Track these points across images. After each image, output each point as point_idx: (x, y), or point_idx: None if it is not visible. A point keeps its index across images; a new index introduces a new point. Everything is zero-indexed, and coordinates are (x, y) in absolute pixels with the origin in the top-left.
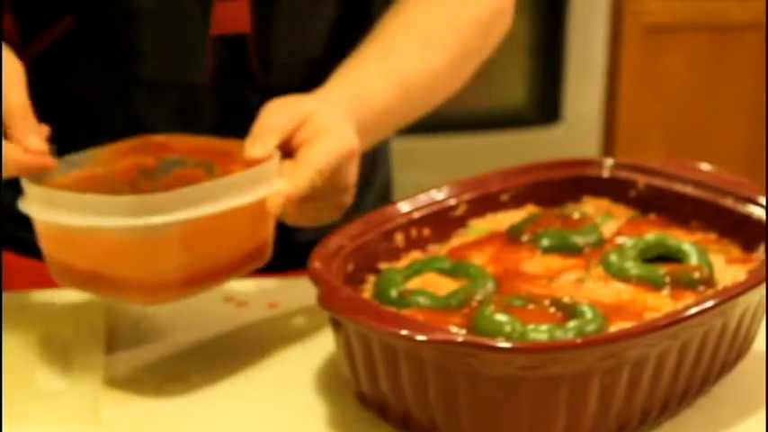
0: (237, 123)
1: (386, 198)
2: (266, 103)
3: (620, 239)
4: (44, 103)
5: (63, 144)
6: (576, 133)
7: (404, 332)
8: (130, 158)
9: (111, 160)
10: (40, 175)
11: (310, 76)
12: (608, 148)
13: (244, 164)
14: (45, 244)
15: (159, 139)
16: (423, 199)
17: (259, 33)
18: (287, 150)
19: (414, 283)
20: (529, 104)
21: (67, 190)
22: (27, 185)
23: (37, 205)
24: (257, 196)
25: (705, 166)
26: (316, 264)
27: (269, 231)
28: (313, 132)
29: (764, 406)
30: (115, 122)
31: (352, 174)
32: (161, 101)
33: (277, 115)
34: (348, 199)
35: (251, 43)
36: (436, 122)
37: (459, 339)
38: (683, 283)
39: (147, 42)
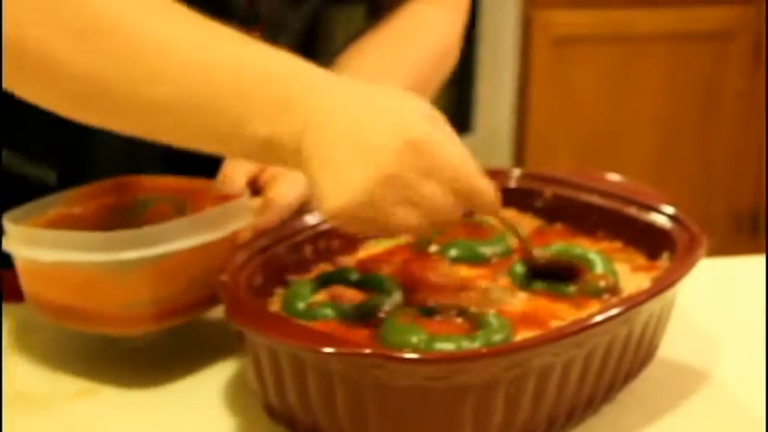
0: None
1: None
2: None
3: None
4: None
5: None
6: (487, 144)
7: (311, 345)
8: (104, 198)
9: (84, 200)
10: (18, 217)
11: None
12: (519, 158)
13: (215, 201)
14: (24, 280)
15: (131, 179)
16: None
17: None
18: (255, 188)
19: (322, 296)
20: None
21: (44, 228)
22: (7, 225)
23: (17, 243)
24: (228, 231)
25: (611, 176)
26: (223, 277)
27: None
28: (280, 170)
29: (668, 412)
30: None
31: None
32: None
33: None
34: None
35: None
36: None
37: (366, 351)
38: (588, 292)
39: None
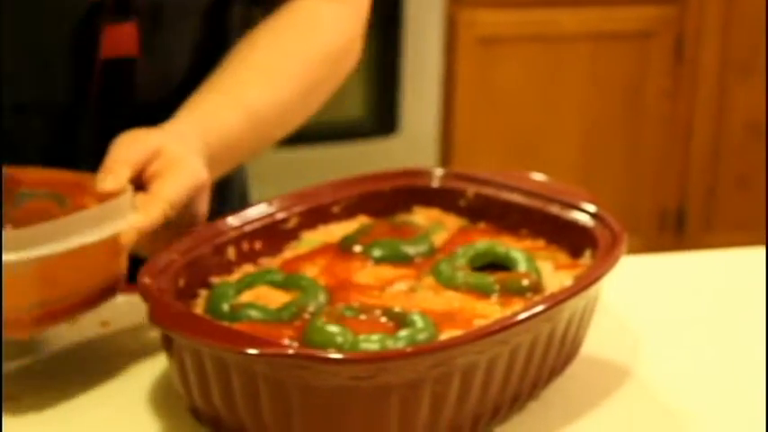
0: None
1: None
2: (144, 122)
3: (451, 248)
4: None
5: None
6: (414, 144)
7: (234, 346)
8: None
9: None
10: None
11: (178, 94)
12: (445, 158)
13: (96, 197)
14: None
15: (8, 171)
16: (253, 212)
17: (145, 55)
18: (139, 184)
19: (246, 297)
20: (366, 116)
21: None
22: None
23: None
24: (112, 231)
25: (533, 175)
26: (145, 279)
27: (122, 265)
28: (164, 165)
29: (592, 409)
30: None
31: (202, 205)
32: (36, 124)
33: (128, 149)
34: None
35: (138, 65)
36: None
37: (290, 352)
38: (511, 290)
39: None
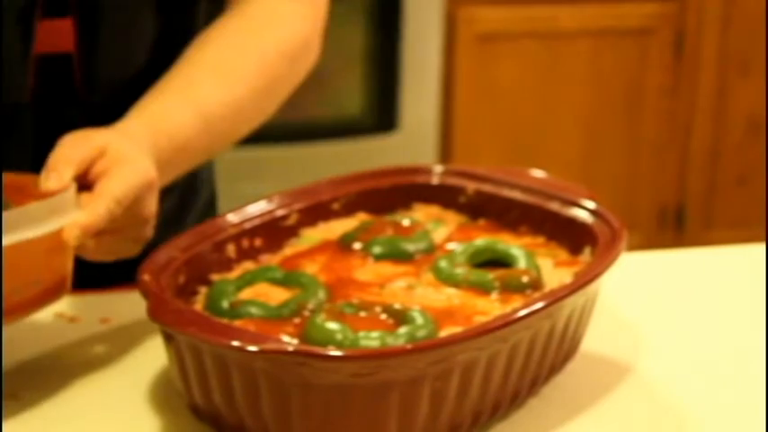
0: (56, 142)
1: (210, 213)
2: (88, 121)
3: (451, 245)
4: None
5: None
6: (414, 141)
7: (234, 343)
8: None
9: None
10: None
11: (133, 93)
12: (445, 155)
13: (39, 197)
14: None
15: None
16: (254, 209)
17: (83, 52)
18: (84, 183)
19: (246, 294)
20: (365, 113)
21: None
22: None
23: None
24: (52, 228)
25: (533, 172)
26: (145, 277)
27: (67, 265)
28: (110, 163)
29: (592, 406)
30: None
31: (151, 205)
32: None
33: (72, 147)
34: (149, 231)
35: (75, 62)
36: (273, 132)
37: (290, 349)
38: (511, 287)
39: None
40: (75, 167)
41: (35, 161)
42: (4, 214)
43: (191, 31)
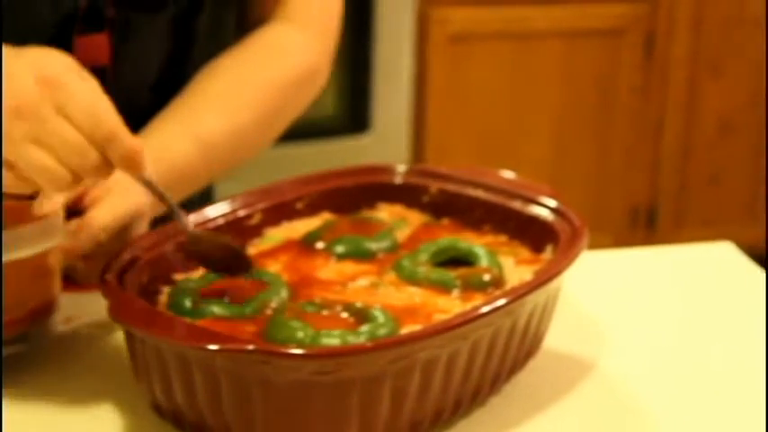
0: None
1: None
2: None
3: (414, 244)
4: None
5: None
6: (386, 142)
7: (196, 342)
8: None
9: None
10: None
11: (144, 106)
12: (417, 156)
13: (29, 222)
14: None
15: None
16: (216, 209)
17: (116, 65)
18: (80, 208)
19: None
20: (338, 114)
21: None
22: None
23: None
24: (33, 251)
25: (496, 171)
26: (107, 276)
27: (53, 288)
28: (104, 190)
29: (554, 403)
30: None
31: (139, 231)
32: None
33: None
34: None
35: (109, 75)
36: None
37: (251, 347)
38: (473, 285)
39: None
40: (68, 195)
41: None
42: None
43: (193, 46)
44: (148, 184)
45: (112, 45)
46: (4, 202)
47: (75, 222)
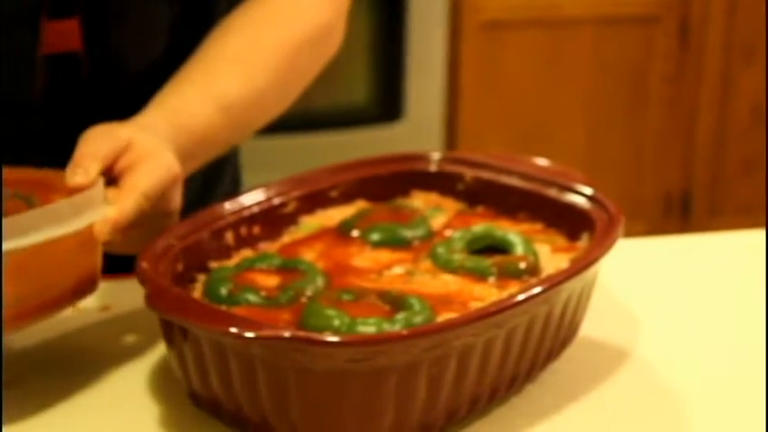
0: (70, 141)
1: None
2: (101, 118)
3: (449, 232)
4: None
5: None
6: (419, 130)
7: (231, 330)
8: None
9: None
10: None
11: (155, 81)
12: (450, 144)
13: (65, 193)
14: None
15: None
16: (252, 197)
17: (91, 50)
18: (110, 178)
19: (244, 282)
20: (371, 102)
21: None
22: None
23: None
24: (83, 224)
25: (531, 158)
26: (143, 264)
27: (97, 260)
28: (135, 158)
29: (590, 391)
30: None
31: (176, 199)
32: None
33: (97, 142)
34: (172, 224)
35: (83, 60)
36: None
37: (287, 335)
38: (508, 273)
39: None
40: (101, 162)
41: (48, 161)
42: (35, 212)
43: (210, 15)
44: None
45: (84, 30)
46: (33, 173)
47: (113, 191)
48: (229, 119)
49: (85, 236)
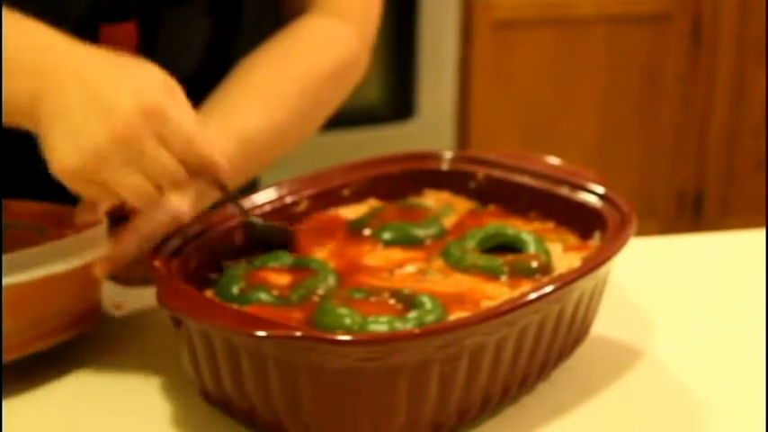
0: None
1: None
2: None
3: (461, 231)
4: None
5: None
6: (431, 129)
7: (244, 328)
8: None
9: None
10: None
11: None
12: (462, 143)
13: (75, 229)
14: None
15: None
16: (264, 196)
17: (144, 55)
18: (121, 214)
19: (254, 280)
20: (383, 101)
21: None
22: None
23: None
24: (81, 262)
25: (543, 157)
26: (155, 263)
27: (97, 295)
28: None
29: (602, 390)
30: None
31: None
32: None
33: None
34: None
35: None
36: None
37: (299, 334)
38: (520, 272)
39: None
40: (110, 202)
41: None
42: (38, 248)
43: (238, 33)
44: (223, 188)
45: (140, 35)
46: (47, 208)
47: (120, 231)
48: (249, 152)
49: (85, 272)
